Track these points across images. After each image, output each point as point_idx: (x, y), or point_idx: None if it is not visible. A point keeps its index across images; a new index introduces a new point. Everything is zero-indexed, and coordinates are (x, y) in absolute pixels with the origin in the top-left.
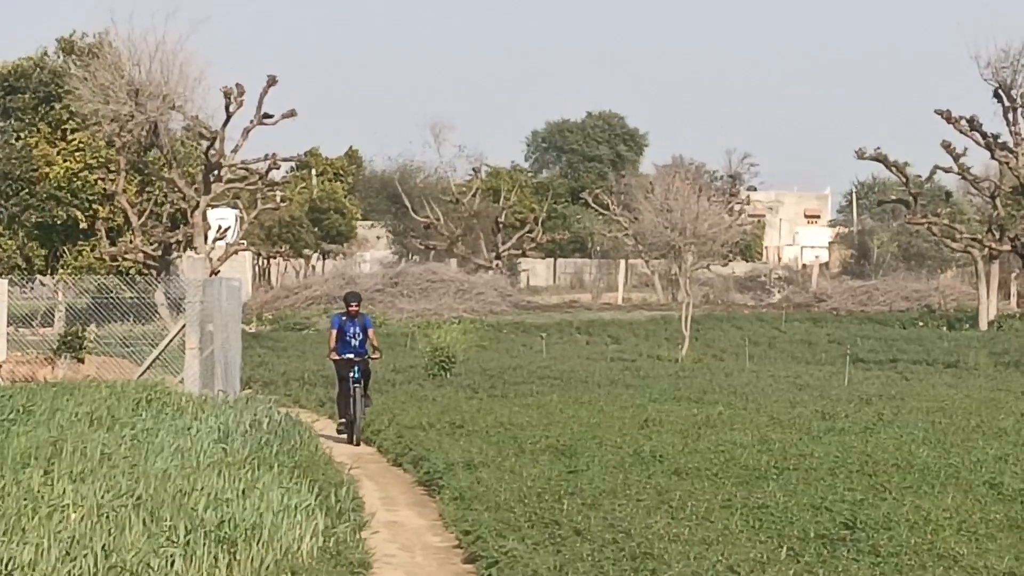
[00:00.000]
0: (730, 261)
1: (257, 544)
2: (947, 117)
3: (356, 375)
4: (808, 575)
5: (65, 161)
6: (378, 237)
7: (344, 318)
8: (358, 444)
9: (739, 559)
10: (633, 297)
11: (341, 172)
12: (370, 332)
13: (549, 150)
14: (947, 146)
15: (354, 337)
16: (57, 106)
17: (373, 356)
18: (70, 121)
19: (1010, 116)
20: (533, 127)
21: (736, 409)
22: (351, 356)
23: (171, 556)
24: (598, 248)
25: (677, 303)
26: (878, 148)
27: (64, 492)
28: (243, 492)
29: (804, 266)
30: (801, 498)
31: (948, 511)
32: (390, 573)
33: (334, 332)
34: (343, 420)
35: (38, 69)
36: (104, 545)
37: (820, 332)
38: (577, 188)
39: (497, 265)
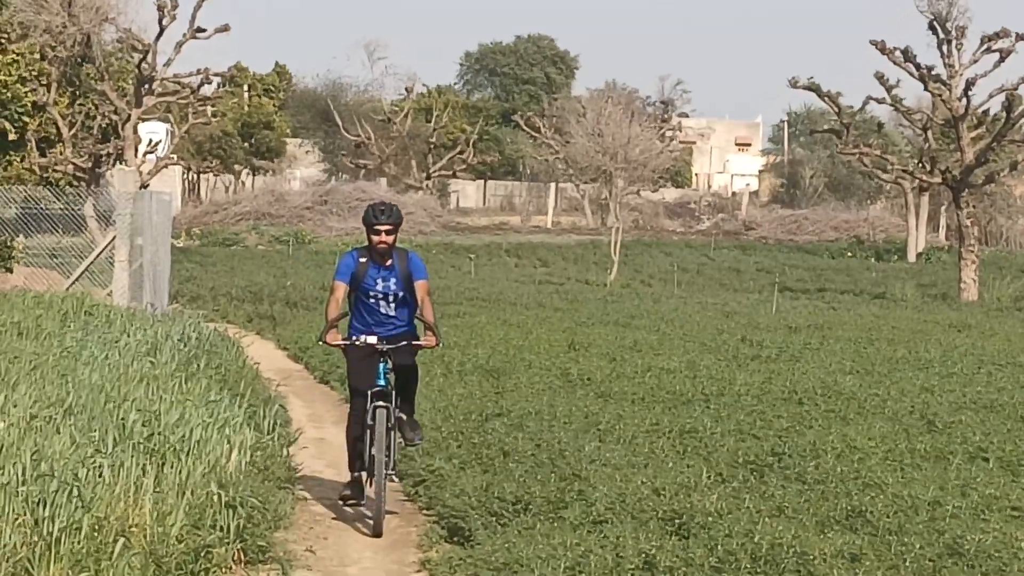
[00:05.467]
0: (660, 187)
1: (185, 457)
2: (881, 48)
3: (383, 379)
4: (734, 499)
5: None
6: (307, 152)
7: (363, 259)
8: (378, 534)
9: (665, 482)
10: (563, 221)
11: (272, 88)
12: (419, 287)
13: (481, 72)
14: (880, 77)
15: (384, 300)
16: (6, 13)
17: (423, 343)
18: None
19: (944, 48)
20: (465, 48)
21: (664, 335)
22: (373, 341)
23: (99, 466)
24: (529, 171)
25: (606, 228)
26: (811, 77)
27: None
28: (172, 405)
29: (734, 194)
30: (728, 424)
31: (874, 440)
32: (316, 489)
33: (340, 286)
34: (353, 474)
35: None
36: (33, 454)
37: (748, 260)
38: (509, 110)
39: (427, 186)
